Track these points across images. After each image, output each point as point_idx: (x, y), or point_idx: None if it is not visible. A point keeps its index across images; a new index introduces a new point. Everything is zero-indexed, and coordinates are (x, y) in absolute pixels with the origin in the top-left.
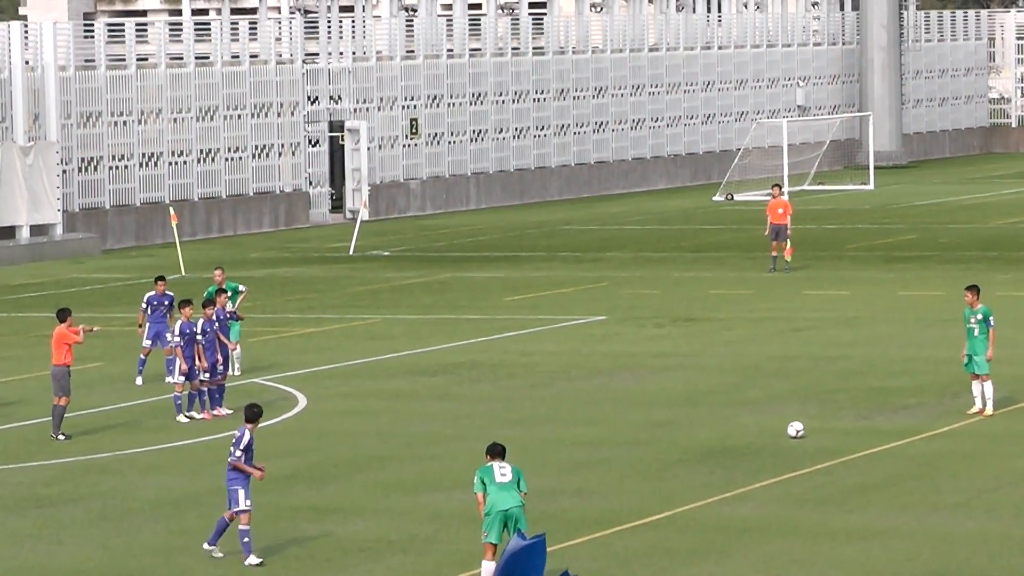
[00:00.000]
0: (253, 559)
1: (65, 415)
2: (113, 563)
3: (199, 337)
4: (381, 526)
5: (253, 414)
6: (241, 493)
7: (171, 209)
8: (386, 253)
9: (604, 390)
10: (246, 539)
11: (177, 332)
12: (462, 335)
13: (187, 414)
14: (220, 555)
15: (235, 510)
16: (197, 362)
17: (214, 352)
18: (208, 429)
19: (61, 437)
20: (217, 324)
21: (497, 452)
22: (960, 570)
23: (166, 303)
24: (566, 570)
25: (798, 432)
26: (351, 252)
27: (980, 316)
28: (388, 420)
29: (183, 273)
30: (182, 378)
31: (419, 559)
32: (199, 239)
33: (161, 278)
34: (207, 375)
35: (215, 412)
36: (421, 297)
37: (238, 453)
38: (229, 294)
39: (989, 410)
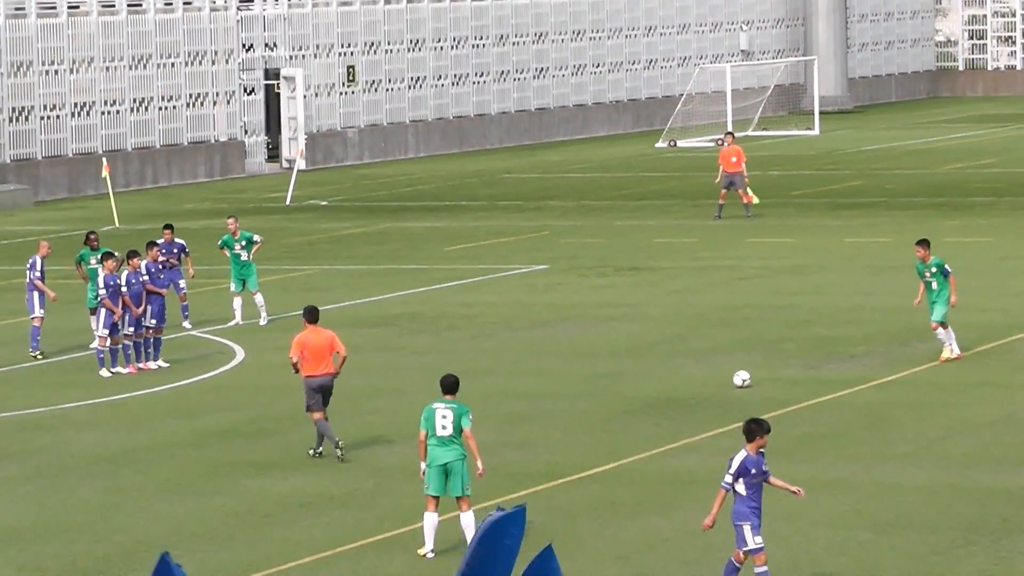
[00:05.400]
0: None
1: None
2: (49, 521)
3: (124, 289)
4: (322, 481)
5: (747, 430)
6: (747, 528)
7: (104, 160)
8: (324, 203)
9: (547, 341)
10: None
11: (101, 285)
12: (402, 286)
13: (111, 369)
14: None
15: (743, 549)
16: (140, 312)
17: (140, 305)
18: (144, 383)
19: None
20: (147, 276)
21: (446, 387)
22: (909, 521)
23: (175, 251)
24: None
25: (744, 381)
26: (288, 202)
27: (935, 269)
28: None
29: (117, 225)
30: (106, 331)
31: (361, 514)
32: (133, 190)
33: (168, 226)
34: (132, 328)
35: (142, 365)
36: (360, 248)
37: (728, 478)
38: (160, 247)
39: (956, 351)
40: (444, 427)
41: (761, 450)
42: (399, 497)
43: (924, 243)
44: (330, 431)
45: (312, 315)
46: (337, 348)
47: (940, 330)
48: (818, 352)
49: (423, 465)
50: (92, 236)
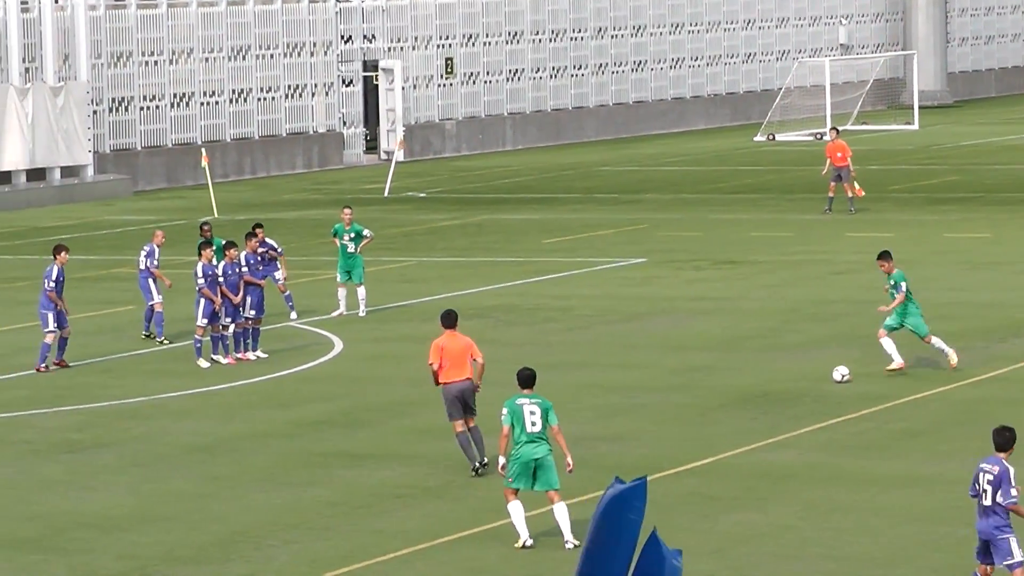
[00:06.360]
0: None
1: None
2: (144, 509)
3: (221, 279)
4: (416, 472)
5: (1004, 439)
6: (1014, 540)
7: (203, 150)
8: (421, 195)
9: (642, 334)
10: None
11: (200, 274)
12: (497, 278)
13: (211, 357)
14: None
15: (1006, 562)
16: (240, 301)
17: (237, 295)
18: (241, 373)
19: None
20: (246, 267)
21: (525, 381)
22: None
23: (266, 250)
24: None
25: (844, 377)
26: (386, 194)
27: (892, 282)
28: (421, 365)
29: (215, 215)
30: (204, 321)
31: (456, 505)
32: (231, 181)
33: (259, 225)
34: (229, 319)
35: (240, 356)
36: (456, 240)
37: (1014, 490)
38: (260, 238)
39: (953, 359)
40: (534, 423)
41: None
42: (494, 489)
43: (885, 255)
44: (471, 446)
45: (450, 319)
46: (475, 355)
47: (926, 343)
48: (914, 347)
49: (502, 459)
50: (205, 227)
